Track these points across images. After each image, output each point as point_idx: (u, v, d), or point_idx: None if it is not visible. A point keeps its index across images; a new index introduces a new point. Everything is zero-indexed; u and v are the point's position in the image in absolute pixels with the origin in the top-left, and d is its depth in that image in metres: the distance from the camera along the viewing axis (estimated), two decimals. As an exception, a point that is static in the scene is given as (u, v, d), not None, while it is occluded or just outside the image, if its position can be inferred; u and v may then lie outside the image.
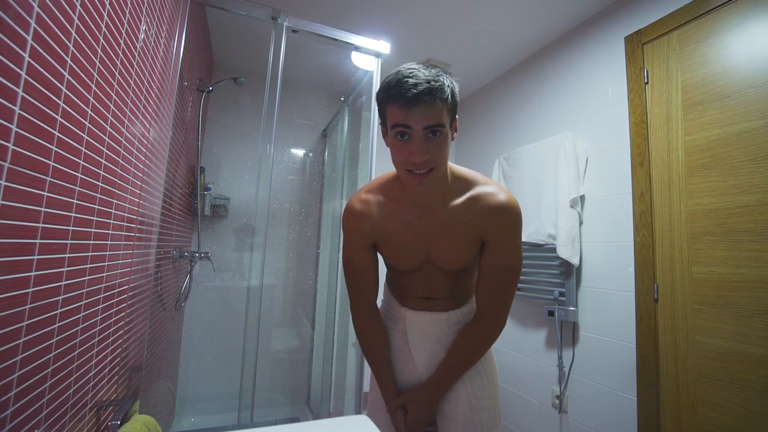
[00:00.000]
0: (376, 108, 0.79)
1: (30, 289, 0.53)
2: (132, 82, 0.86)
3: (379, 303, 1.02)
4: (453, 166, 0.85)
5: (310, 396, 2.42)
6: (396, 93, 0.68)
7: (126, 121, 0.85)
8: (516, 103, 2.25)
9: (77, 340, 0.69)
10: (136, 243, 1.02)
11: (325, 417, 1.96)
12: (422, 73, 0.68)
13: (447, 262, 0.87)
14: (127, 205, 0.92)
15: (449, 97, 0.69)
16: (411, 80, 0.67)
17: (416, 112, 0.67)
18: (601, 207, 1.65)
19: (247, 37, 2.11)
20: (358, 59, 1.81)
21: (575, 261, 1.67)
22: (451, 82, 0.71)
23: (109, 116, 0.75)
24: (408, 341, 0.94)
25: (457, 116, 0.76)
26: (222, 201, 2.29)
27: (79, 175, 0.65)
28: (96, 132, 0.69)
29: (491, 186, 0.83)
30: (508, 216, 0.80)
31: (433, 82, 0.67)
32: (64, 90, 0.57)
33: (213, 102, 2.34)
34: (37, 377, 0.56)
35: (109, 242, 0.82)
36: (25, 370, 0.53)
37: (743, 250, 1.17)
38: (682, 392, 1.30)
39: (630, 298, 1.48)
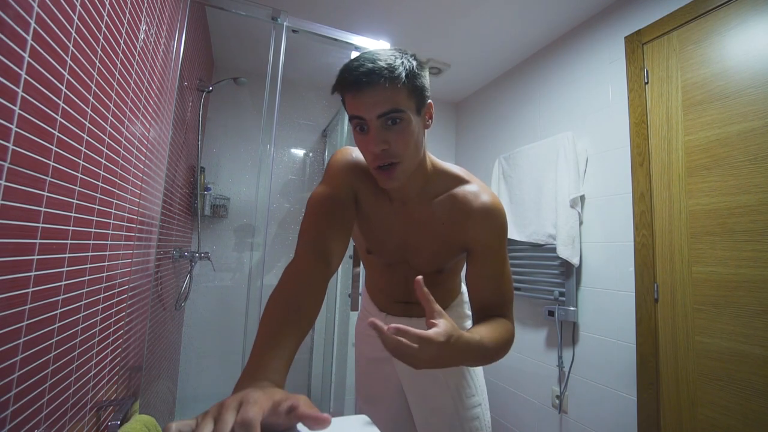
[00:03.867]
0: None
1: (30, 289, 0.53)
2: (132, 82, 0.86)
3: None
4: (436, 160, 0.78)
5: (310, 396, 2.42)
6: (341, 78, 0.62)
7: (126, 121, 0.85)
8: (516, 103, 2.25)
9: (77, 340, 0.69)
10: (136, 243, 1.02)
11: (325, 417, 1.95)
12: (370, 56, 0.61)
13: (423, 262, 0.81)
14: (127, 205, 0.92)
15: (405, 77, 0.61)
16: (355, 63, 0.61)
17: (365, 98, 0.60)
18: (601, 207, 1.65)
19: (247, 37, 2.11)
20: (358, 59, 1.81)
21: (575, 261, 1.67)
22: (409, 62, 0.63)
23: (109, 116, 0.75)
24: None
25: (429, 101, 0.68)
26: (222, 201, 2.29)
27: (79, 175, 0.65)
28: (96, 132, 0.69)
29: (475, 185, 0.76)
30: (494, 220, 0.73)
31: (379, 62, 0.60)
32: (64, 90, 0.57)
33: (213, 102, 2.34)
34: (37, 377, 0.56)
35: (109, 242, 0.82)
36: (25, 370, 0.53)
37: (743, 250, 1.17)
38: (682, 392, 1.30)
39: (630, 298, 1.48)
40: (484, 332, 0.65)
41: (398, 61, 0.61)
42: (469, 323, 0.96)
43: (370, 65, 0.59)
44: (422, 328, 0.85)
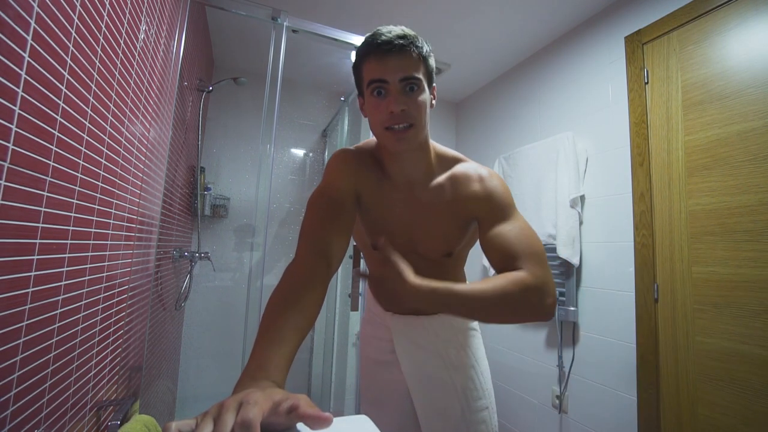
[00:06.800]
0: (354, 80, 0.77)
1: (30, 289, 0.53)
2: (132, 82, 0.86)
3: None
4: (436, 145, 0.82)
5: (310, 396, 2.42)
6: (370, 42, 0.68)
7: (126, 121, 0.85)
8: (516, 103, 2.25)
9: (77, 340, 0.69)
10: (136, 243, 1.02)
11: (325, 417, 1.95)
12: (396, 29, 0.68)
13: (432, 247, 0.81)
14: (127, 205, 0.92)
15: (423, 52, 0.69)
16: (384, 30, 0.68)
17: (391, 61, 0.66)
18: (601, 207, 1.65)
19: (247, 37, 2.11)
20: (358, 59, 1.81)
21: (575, 261, 1.67)
22: (427, 45, 0.71)
23: (109, 116, 0.75)
24: (395, 350, 0.87)
25: (434, 84, 0.75)
26: (222, 201, 2.29)
27: (79, 175, 0.65)
28: (96, 132, 0.69)
29: (470, 162, 0.82)
30: (494, 183, 0.76)
31: (408, 36, 0.67)
32: (64, 90, 0.57)
33: (213, 102, 2.34)
34: (37, 377, 0.56)
35: (109, 242, 0.82)
36: (25, 370, 0.53)
37: (743, 250, 1.17)
38: (682, 392, 1.30)
39: (630, 298, 1.48)
40: (473, 284, 0.62)
41: (420, 39, 0.69)
42: None
43: (400, 32, 0.67)
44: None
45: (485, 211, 0.74)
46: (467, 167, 0.80)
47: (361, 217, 0.82)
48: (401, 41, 0.66)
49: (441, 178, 0.79)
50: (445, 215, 0.78)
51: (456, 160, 0.81)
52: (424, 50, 0.69)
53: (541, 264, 0.65)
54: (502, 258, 0.68)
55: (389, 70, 0.67)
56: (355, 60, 0.72)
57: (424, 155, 0.77)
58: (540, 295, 0.63)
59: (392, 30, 0.67)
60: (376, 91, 0.68)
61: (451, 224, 0.79)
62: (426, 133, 0.74)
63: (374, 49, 0.67)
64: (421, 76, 0.68)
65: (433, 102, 0.74)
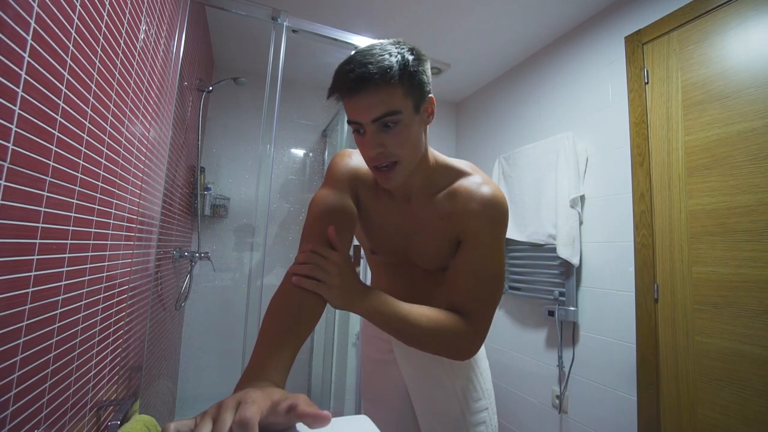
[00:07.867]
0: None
1: (30, 289, 0.53)
2: (132, 82, 0.86)
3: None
4: (438, 155, 0.77)
5: (310, 396, 2.42)
6: (334, 83, 0.62)
7: (126, 121, 0.85)
8: (516, 103, 2.25)
9: (77, 340, 0.69)
10: (136, 243, 1.02)
11: (325, 417, 1.95)
12: (362, 57, 0.60)
13: (427, 260, 0.80)
14: (127, 205, 0.92)
15: (398, 77, 0.59)
16: (347, 67, 0.60)
17: (359, 103, 0.60)
18: (601, 207, 1.65)
19: (247, 37, 2.11)
20: (358, 59, 1.81)
21: (575, 261, 1.67)
22: (404, 58, 0.61)
23: (109, 116, 0.75)
24: (393, 350, 0.87)
25: (431, 95, 0.66)
26: (222, 201, 2.29)
27: (79, 175, 0.65)
28: (96, 132, 0.69)
29: (477, 177, 0.74)
30: (490, 211, 0.70)
31: (370, 66, 0.58)
32: (64, 90, 0.57)
33: (213, 102, 2.34)
34: (37, 377, 0.56)
35: (109, 242, 0.82)
36: (25, 370, 0.53)
37: (743, 250, 1.17)
38: (682, 392, 1.30)
39: (630, 298, 1.48)
40: (414, 306, 0.66)
41: (393, 60, 0.59)
42: None
43: (360, 70, 0.58)
44: None
45: (472, 237, 0.70)
46: (471, 182, 0.73)
47: (359, 222, 0.82)
48: (360, 85, 0.58)
49: (441, 193, 0.75)
50: (439, 231, 0.75)
51: (460, 173, 0.75)
52: (397, 75, 0.59)
53: (489, 316, 0.69)
54: (459, 297, 0.69)
55: (359, 113, 0.61)
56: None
57: (422, 171, 0.73)
58: (472, 344, 0.68)
59: (354, 67, 0.58)
60: (356, 130, 0.65)
61: (444, 241, 0.75)
62: (418, 158, 0.69)
63: (340, 86, 0.61)
64: (397, 107, 0.60)
65: (429, 118, 0.68)
